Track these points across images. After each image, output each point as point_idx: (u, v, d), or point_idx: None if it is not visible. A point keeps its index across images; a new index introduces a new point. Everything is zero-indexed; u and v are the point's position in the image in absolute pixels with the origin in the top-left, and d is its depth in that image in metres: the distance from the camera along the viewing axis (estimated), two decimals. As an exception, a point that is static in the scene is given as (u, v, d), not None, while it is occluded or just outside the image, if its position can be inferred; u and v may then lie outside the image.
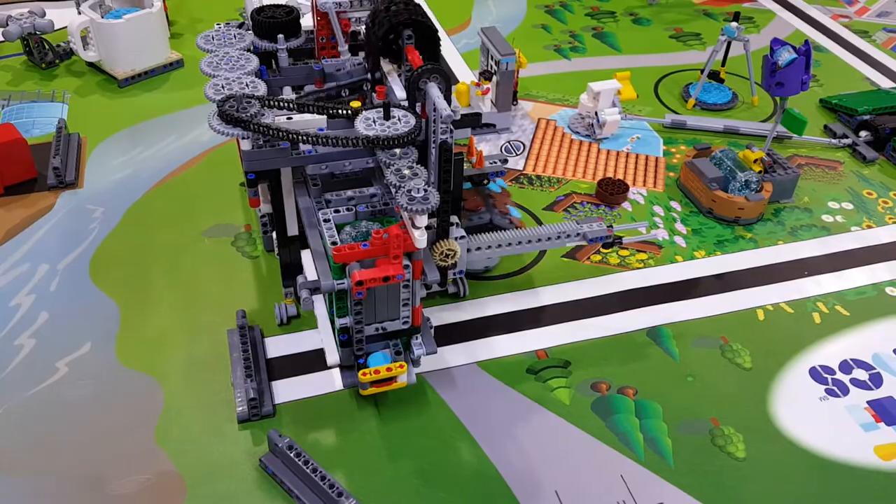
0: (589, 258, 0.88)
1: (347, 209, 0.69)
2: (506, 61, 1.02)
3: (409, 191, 0.60)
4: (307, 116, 0.72)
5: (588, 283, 0.85)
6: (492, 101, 1.07)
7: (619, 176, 1.01)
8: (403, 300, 0.67)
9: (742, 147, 1.00)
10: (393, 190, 0.62)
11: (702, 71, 1.15)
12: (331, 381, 0.74)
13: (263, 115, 0.67)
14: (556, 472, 0.67)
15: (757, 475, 0.67)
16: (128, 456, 0.67)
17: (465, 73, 1.21)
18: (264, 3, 0.82)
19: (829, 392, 0.74)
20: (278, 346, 0.77)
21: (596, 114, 1.05)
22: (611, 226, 0.79)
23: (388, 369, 0.67)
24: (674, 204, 0.96)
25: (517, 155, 1.04)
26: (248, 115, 0.66)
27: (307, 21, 0.84)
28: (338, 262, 0.62)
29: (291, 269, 0.78)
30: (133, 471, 0.66)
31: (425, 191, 0.61)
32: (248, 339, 0.76)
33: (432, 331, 0.72)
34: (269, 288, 0.83)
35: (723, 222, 0.94)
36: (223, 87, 0.71)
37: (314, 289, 0.70)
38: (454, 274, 0.79)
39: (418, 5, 0.72)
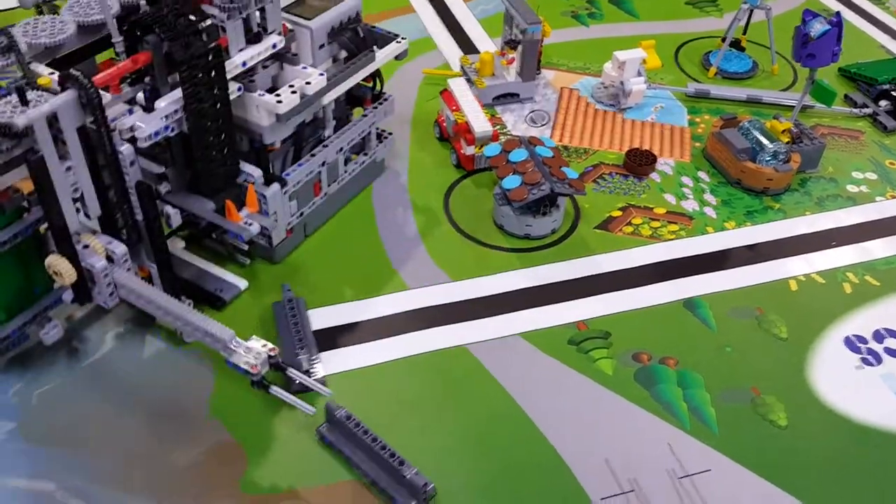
0: (621, 230, 0.89)
1: None
2: (532, 30, 1.02)
3: None
4: None
5: (622, 255, 0.86)
6: (516, 71, 1.07)
7: (646, 146, 1.01)
8: None
9: (767, 117, 1.01)
10: None
11: (723, 39, 1.16)
12: (378, 351, 0.76)
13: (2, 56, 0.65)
14: (605, 440, 0.69)
15: (799, 442, 0.69)
16: (185, 427, 0.68)
17: (484, 41, 1.20)
18: None
19: (865, 361, 0.76)
20: (322, 318, 0.78)
21: (621, 83, 1.06)
22: (275, 362, 0.66)
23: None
24: (702, 174, 0.98)
25: (542, 125, 1.05)
26: None
27: None
28: None
29: None
30: (191, 442, 0.67)
31: None
32: (295, 312, 0.76)
33: (48, 336, 0.72)
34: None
35: (751, 193, 0.95)
36: (34, 24, 0.70)
37: None
38: (104, 304, 0.71)
39: (191, 23, 0.65)
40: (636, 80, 1.05)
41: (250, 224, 0.74)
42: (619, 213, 0.91)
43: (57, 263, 0.66)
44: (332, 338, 0.77)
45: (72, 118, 0.62)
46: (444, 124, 0.99)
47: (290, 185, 0.79)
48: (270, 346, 0.65)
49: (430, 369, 0.75)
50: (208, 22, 0.66)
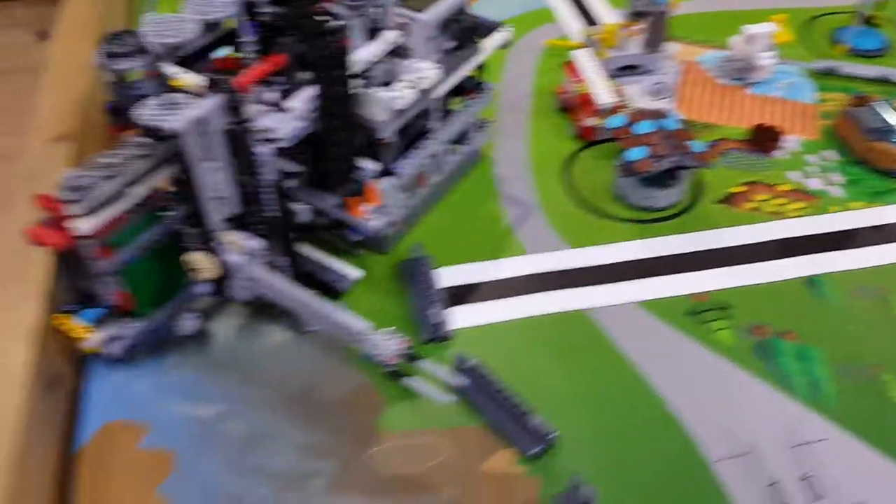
0: (744, 205, 0.90)
1: None
2: (661, 1, 1.02)
3: (72, 178, 0.62)
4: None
5: (743, 230, 0.87)
6: (641, 43, 1.08)
7: (771, 122, 1.01)
8: (96, 276, 0.68)
9: (899, 97, 0.99)
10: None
11: (856, 14, 1.13)
12: (500, 310, 0.80)
13: (133, 57, 0.68)
14: (721, 406, 0.71)
15: (919, 422, 0.70)
16: (328, 371, 0.75)
17: (604, 13, 1.21)
18: None
19: None
20: (447, 277, 0.83)
21: (749, 57, 1.05)
22: (411, 354, 0.71)
23: (73, 327, 0.70)
24: (828, 153, 0.97)
25: (664, 98, 1.05)
26: (122, 52, 0.68)
27: None
28: (38, 206, 0.64)
29: None
30: (334, 384, 0.74)
31: (92, 184, 0.62)
32: (424, 269, 0.81)
33: (186, 327, 0.74)
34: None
35: (879, 173, 0.94)
36: (164, 24, 0.72)
37: None
38: (239, 298, 0.74)
39: (320, 23, 0.66)
40: (765, 55, 1.05)
41: (372, 218, 0.76)
42: (741, 189, 0.92)
43: (198, 260, 0.70)
44: (457, 296, 0.81)
45: (219, 121, 0.64)
46: (566, 95, 1.02)
47: (402, 178, 0.80)
48: (403, 337, 0.69)
49: (550, 330, 0.78)
50: (341, 21, 0.67)
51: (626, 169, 0.88)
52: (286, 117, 0.68)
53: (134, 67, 0.68)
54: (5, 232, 0.73)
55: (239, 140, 0.66)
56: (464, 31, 0.81)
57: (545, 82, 1.08)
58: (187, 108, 0.64)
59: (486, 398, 0.71)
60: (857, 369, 0.74)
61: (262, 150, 0.67)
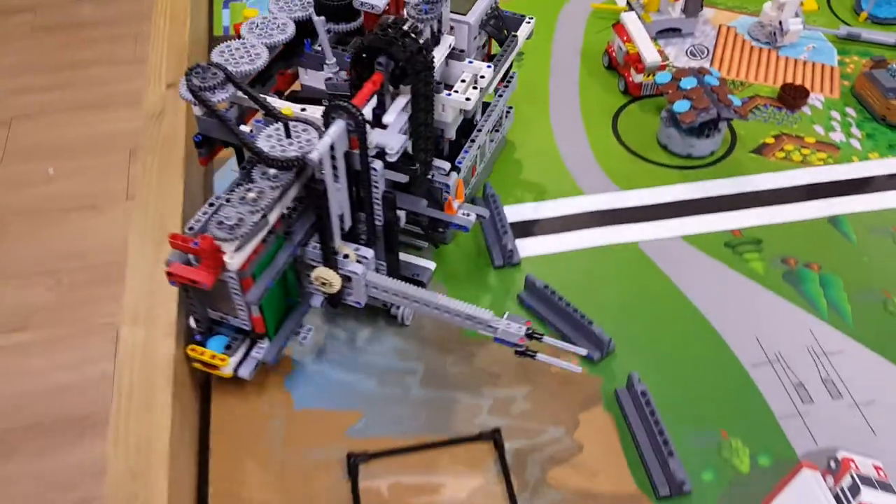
0: (774, 155, 1.01)
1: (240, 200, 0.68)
2: (700, -29, 1.12)
3: (219, 214, 0.63)
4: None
5: (773, 176, 0.99)
6: (681, 7, 1.18)
7: (798, 82, 1.12)
8: (238, 305, 0.70)
9: (915, 60, 1.10)
10: (210, 207, 0.67)
11: (877, -15, 1.23)
12: (561, 242, 0.92)
13: (223, 88, 0.69)
14: (755, 322, 0.83)
15: (924, 337, 0.82)
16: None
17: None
18: None
19: None
20: (514, 214, 0.94)
21: (780, 22, 1.15)
22: (532, 334, 0.73)
23: (213, 357, 0.71)
24: (849, 110, 1.08)
25: (701, 59, 1.16)
26: (207, 85, 0.68)
27: None
28: (171, 246, 0.65)
29: None
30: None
31: (239, 220, 0.63)
32: (497, 205, 0.93)
33: (305, 340, 0.77)
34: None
35: (895, 129, 1.05)
36: (230, 52, 0.74)
37: None
38: (355, 303, 0.77)
39: (416, 40, 0.68)
40: (794, 21, 1.15)
41: (468, 214, 0.81)
42: (772, 141, 1.03)
43: (325, 275, 0.72)
44: (524, 229, 0.93)
45: (342, 145, 0.67)
46: (615, 54, 1.12)
47: (463, 172, 0.84)
48: (523, 319, 0.73)
49: (606, 258, 0.90)
50: (425, 36, 0.70)
51: (672, 119, 1.00)
52: (391, 132, 0.70)
53: (225, 99, 0.69)
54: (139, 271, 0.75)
55: (358, 159, 0.68)
56: (498, 27, 0.85)
57: (593, 42, 1.19)
58: (306, 135, 0.66)
59: (552, 312, 0.83)
60: (870, 293, 0.86)
61: (377, 166, 0.70)
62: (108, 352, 1.80)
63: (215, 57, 0.72)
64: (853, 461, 0.72)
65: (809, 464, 0.72)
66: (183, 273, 0.64)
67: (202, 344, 0.72)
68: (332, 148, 0.65)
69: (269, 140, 0.66)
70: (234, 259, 0.63)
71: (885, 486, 0.71)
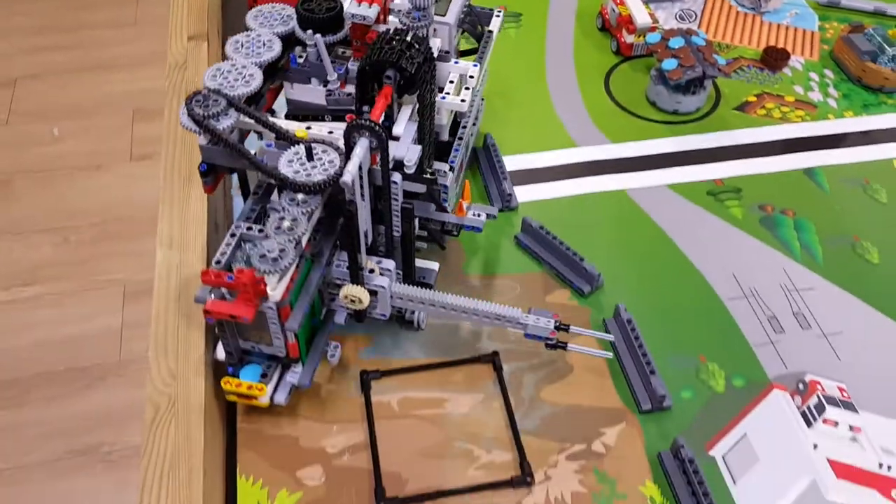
0: (756, 112, 1.08)
1: (259, 230, 0.67)
2: (691, -62, 1.18)
3: (265, 246, 0.62)
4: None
5: (756, 131, 1.06)
6: (672, -26, 1.24)
7: (780, 45, 1.18)
8: (274, 333, 0.68)
9: (890, 26, 1.16)
10: (248, 243, 0.64)
11: (859, -46, 1.29)
12: (555, 189, 0.98)
13: (226, 114, 0.66)
14: (733, 261, 0.90)
15: (887, 276, 0.89)
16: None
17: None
18: None
19: (949, 224, 0.95)
20: (511, 163, 1.01)
21: (764, -11, 1.22)
22: (559, 326, 0.74)
23: (249, 387, 0.70)
24: (827, 72, 1.14)
25: (690, 22, 1.22)
26: (210, 112, 0.66)
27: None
28: (203, 283, 0.63)
29: None
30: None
31: (281, 251, 0.62)
32: (496, 153, 0.99)
33: (333, 358, 0.76)
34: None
35: (869, 90, 1.11)
36: (224, 74, 0.70)
37: None
38: (381, 316, 0.76)
39: (422, 49, 0.69)
40: (777, -13, 1.21)
41: (479, 215, 0.80)
42: (754, 99, 1.10)
43: (354, 292, 0.71)
44: (521, 177, 0.99)
45: (367, 162, 0.66)
46: (608, 16, 1.18)
47: (456, 170, 0.83)
48: (551, 313, 0.74)
49: (596, 204, 0.97)
50: (438, 46, 0.72)
51: (660, 77, 1.06)
52: (403, 144, 0.70)
53: (231, 125, 0.66)
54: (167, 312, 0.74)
55: (380, 175, 0.68)
56: (473, 24, 0.86)
57: (586, 5, 1.25)
58: (327, 156, 0.65)
59: (547, 251, 0.90)
60: (841, 238, 0.93)
61: (395, 179, 0.70)
62: (115, 306, 1.86)
63: (208, 81, 0.69)
64: (820, 383, 0.80)
65: (780, 386, 0.80)
66: (222, 309, 0.62)
67: (235, 375, 0.71)
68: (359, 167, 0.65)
69: (291, 165, 0.64)
70: (276, 290, 0.63)
71: (847, 405, 0.78)
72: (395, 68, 0.67)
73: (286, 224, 0.63)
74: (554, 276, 0.89)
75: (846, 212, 0.96)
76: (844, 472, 0.74)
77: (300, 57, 0.77)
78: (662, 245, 0.93)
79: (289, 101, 0.80)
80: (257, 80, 0.70)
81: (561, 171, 1.01)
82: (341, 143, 0.66)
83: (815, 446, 0.75)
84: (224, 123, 0.66)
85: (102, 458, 1.62)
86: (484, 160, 1.00)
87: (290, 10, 0.77)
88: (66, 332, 1.81)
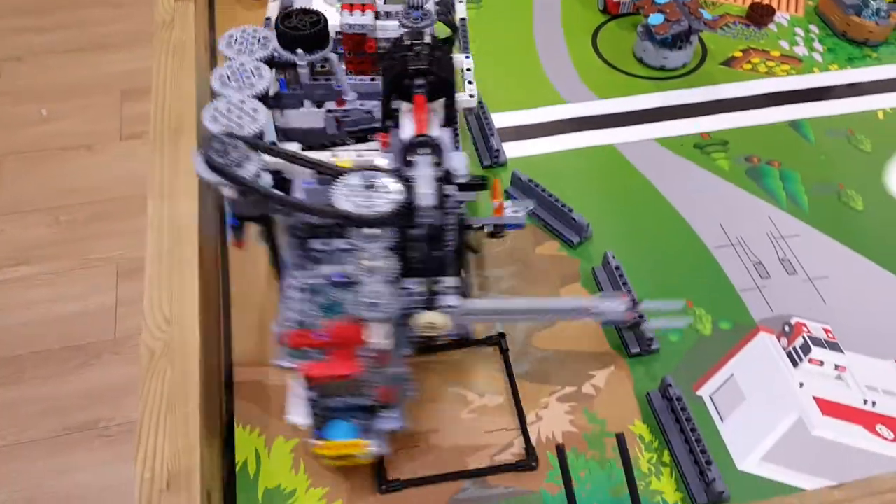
0: (742, 66, 1.09)
1: (322, 276, 0.63)
2: None
3: (365, 293, 0.57)
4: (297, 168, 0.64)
5: (741, 85, 1.06)
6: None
7: (766, 1, 1.19)
8: (370, 382, 0.63)
9: (875, -19, 1.17)
10: (349, 284, 0.60)
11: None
12: (544, 145, 0.99)
13: (248, 158, 0.60)
14: (719, 211, 0.91)
15: (871, 220, 0.91)
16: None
17: None
18: (293, 9, 0.73)
19: (932, 171, 0.96)
20: (500, 120, 1.01)
21: (749, -53, 1.22)
22: (635, 300, 0.72)
23: (346, 446, 0.64)
24: (812, 27, 1.15)
25: (676, -18, 1.23)
26: (231, 159, 0.59)
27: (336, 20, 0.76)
28: (291, 347, 0.59)
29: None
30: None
31: (383, 296, 0.57)
32: (485, 111, 1.00)
33: (412, 394, 0.69)
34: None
35: (854, 43, 1.12)
36: (223, 113, 0.64)
37: None
38: (456, 336, 0.73)
39: (444, 51, 0.66)
40: (762, -55, 1.21)
41: (518, 211, 0.75)
42: (740, 54, 1.10)
43: (432, 319, 0.65)
44: (510, 134, 1.00)
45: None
46: (594, -23, 1.19)
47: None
48: (619, 293, 0.73)
49: (586, 158, 0.98)
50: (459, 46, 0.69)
51: (647, 33, 1.07)
52: (457, 154, 0.67)
53: (258, 170, 0.59)
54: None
55: (442, 187, 0.64)
56: (446, 13, 0.82)
57: (573, -33, 1.25)
58: (380, 182, 0.60)
59: (536, 203, 0.91)
60: (826, 186, 0.94)
61: (450, 191, 0.65)
62: (109, 284, 1.86)
63: (209, 124, 0.63)
64: (805, 325, 0.81)
65: (766, 328, 0.81)
66: (326, 371, 0.58)
67: (323, 437, 0.64)
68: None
69: (349, 199, 0.59)
70: (382, 337, 0.58)
71: (832, 346, 0.80)
72: (428, 75, 0.63)
73: (373, 264, 0.58)
74: (543, 227, 0.90)
75: (831, 161, 0.97)
76: (830, 408, 0.75)
77: (290, 83, 0.71)
78: (650, 197, 0.93)
79: (279, 131, 0.75)
80: (262, 112, 0.64)
81: (549, 127, 1.01)
82: (380, 162, 0.62)
83: (801, 385, 0.76)
84: (250, 169, 0.59)
85: (100, 434, 1.63)
86: (472, 117, 1.00)
87: (265, 32, 0.72)
88: (61, 310, 1.82)
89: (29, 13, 2.48)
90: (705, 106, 1.04)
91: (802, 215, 0.91)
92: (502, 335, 0.79)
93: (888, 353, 0.79)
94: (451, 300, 0.66)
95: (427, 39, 0.65)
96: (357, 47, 0.72)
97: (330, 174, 0.61)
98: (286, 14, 0.71)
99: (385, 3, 0.76)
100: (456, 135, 0.71)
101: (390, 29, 0.75)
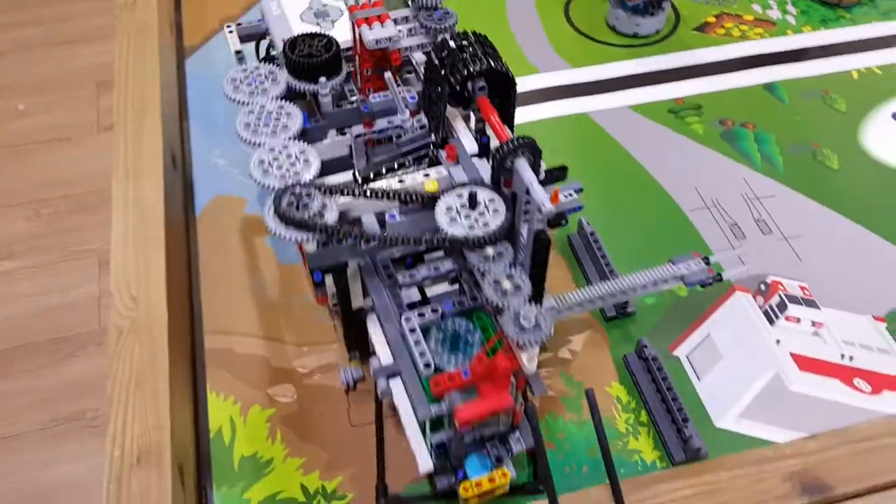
0: (715, 31, 1.08)
1: (433, 310, 0.61)
2: None
3: (518, 317, 0.54)
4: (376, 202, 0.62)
5: (715, 50, 1.06)
6: None
7: (739, -33, 1.18)
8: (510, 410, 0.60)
9: (848, -58, 1.17)
10: (493, 311, 0.57)
11: None
12: (519, 116, 0.98)
13: (326, 206, 0.58)
14: (694, 175, 0.91)
15: (847, 179, 0.91)
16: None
17: None
18: (295, 36, 0.70)
19: (907, 128, 0.96)
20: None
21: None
22: (706, 259, 0.71)
23: (492, 480, 0.60)
24: (786, -10, 1.15)
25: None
26: (312, 213, 0.57)
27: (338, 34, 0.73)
28: (437, 395, 0.56)
29: (355, 339, 0.69)
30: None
31: (536, 318, 0.54)
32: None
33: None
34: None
35: (827, 5, 1.12)
36: (270, 163, 0.61)
37: (392, 374, 0.60)
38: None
39: (490, 42, 0.64)
40: None
41: (571, 195, 0.75)
42: (713, 19, 1.10)
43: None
44: (482, 105, 0.99)
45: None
46: (566, -54, 1.18)
47: None
48: (691, 253, 0.71)
49: (562, 127, 0.97)
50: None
51: (619, 1, 1.06)
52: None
53: (335, 216, 0.57)
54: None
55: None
56: None
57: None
58: (482, 197, 0.58)
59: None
60: (801, 146, 0.94)
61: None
62: (91, 276, 1.85)
63: (266, 180, 0.60)
64: (781, 283, 0.81)
65: (742, 288, 0.81)
66: (480, 411, 0.54)
67: (465, 477, 0.61)
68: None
69: (456, 222, 0.57)
70: (533, 361, 0.55)
71: (809, 303, 0.80)
72: (488, 74, 0.61)
73: (511, 284, 0.55)
74: (518, 196, 0.89)
75: (806, 122, 0.97)
76: (807, 364, 0.75)
77: (313, 118, 0.68)
78: (625, 164, 0.93)
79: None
80: (312, 153, 0.62)
81: (523, 98, 1.01)
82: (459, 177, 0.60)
83: (778, 342, 0.76)
84: (331, 216, 0.57)
85: (88, 424, 1.63)
86: (445, 90, 0.99)
87: (269, 68, 0.69)
88: (45, 303, 1.81)
89: (2, 8, 2.46)
90: (679, 72, 1.03)
91: (777, 176, 0.91)
92: None
93: (865, 308, 0.79)
94: (549, 302, 0.64)
95: (472, 39, 0.62)
96: (378, 63, 0.68)
97: (418, 202, 0.59)
98: (291, 42, 0.68)
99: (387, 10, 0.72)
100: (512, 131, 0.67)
101: (415, 36, 0.70)
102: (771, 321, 0.78)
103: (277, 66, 0.70)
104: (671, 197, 0.89)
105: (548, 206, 0.53)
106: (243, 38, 0.78)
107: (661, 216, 0.87)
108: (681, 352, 0.76)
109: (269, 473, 0.67)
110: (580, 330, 0.77)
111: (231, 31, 0.77)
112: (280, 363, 0.74)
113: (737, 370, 0.74)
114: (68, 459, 1.57)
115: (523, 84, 1.02)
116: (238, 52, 0.76)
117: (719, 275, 0.71)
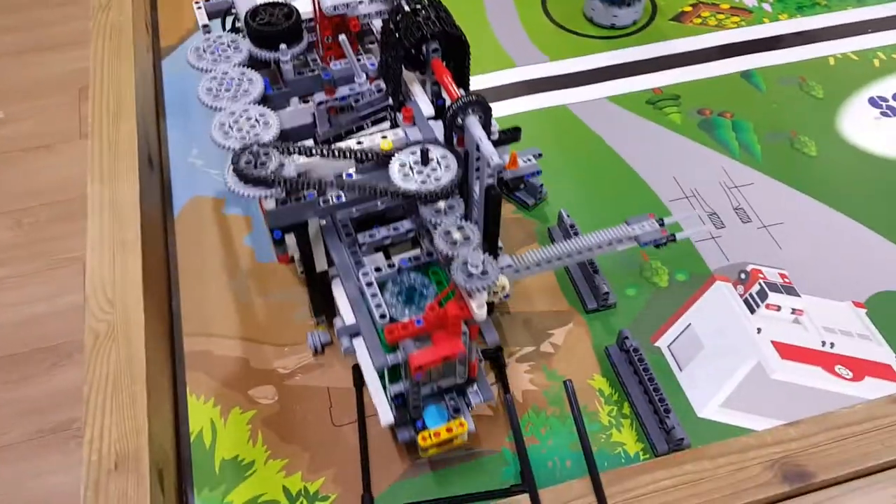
0: (692, 21, 1.08)
1: (389, 266, 0.64)
2: None
3: (466, 264, 0.55)
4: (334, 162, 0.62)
5: (692, 39, 1.06)
6: None
7: (714, -43, 1.18)
8: (464, 360, 0.62)
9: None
10: (444, 261, 0.58)
11: None
12: (498, 109, 0.98)
13: (283, 165, 0.59)
14: (673, 165, 0.91)
15: (825, 166, 0.91)
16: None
17: None
18: (257, 5, 0.72)
19: (883, 114, 0.96)
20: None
21: None
22: (661, 221, 0.72)
23: (449, 430, 0.63)
24: (761, -22, 1.15)
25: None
26: (270, 170, 0.58)
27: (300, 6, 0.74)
28: (391, 342, 0.57)
29: (320, 302, 0.72)
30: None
31: (483, 263, 0.55)
32: (433, 78, 0.98)
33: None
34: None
35: (803, -8, 1.12)
36: (230, 126, 0.63)
37: (356, 333, 0.63)
38: (505, 297, 0.75)
39: (444, 7, 0.65)
40: None
41: (529, 159, 0.76)
42: (689, 9, 1.10)
43: (504, 281, 0.64)
44: (460, 100, 0.99)
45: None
46: (541, -60, 1.17)
47: None
48: (645, 215, 0.72)
49: (541, 120, 0.97)
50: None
51: (594, -9, 1.06)
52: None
53: (295, 171, 0.58)
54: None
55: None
56: None
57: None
58: (434, 154, 0.59)
59: (490, 168, 0.90)
60: (778, 134, 0.94)
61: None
62: (76, 284, 1.83)
63: (225, 141, 0.62)
64: (761, 272, 0.81)
65: (722, 277, 0.81)
66: (431, 357, 0.56)
67: (424, 427, 0.63)
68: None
69: (409, 178, 0.59)
70: (483, 308, 0.55)
71: (789, 290, 0.80)
72: (441, 37, 0.62)
73: (461, 235, 0.57)
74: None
75: (783, 109, 0.97)
76: (789, 352, 0.75)
77: (275, 84, 0.68)
78: (604, 155, 0.93)
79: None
80: (272, 117, 0.63)
81: (501, 91, 1.00)
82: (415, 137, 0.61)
83: (759, 330, 0.76)
84: (289, 170, 0.58)
85: (74, 435, 1.61)
86: (422, 86, 0.99)
87: (231, 36, 0.70)
88: (31, 312, 1.79)
89: (-21, 14, 2.44)
90: (656, 62, 1.03)
91: (756, 164, 0.91)
92: (500, 349, 0.73)
93: (845, 294, 0.79)
94: (506, 260, 0.65)
95: (424, 2, 0.63)
96: (338, 30, 0.69)
97: (373, 160, 0.60)
98: (253, 12, 0.69)
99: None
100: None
101: (374, 3, 0.71)
102: (752, 310, 0.78)
103: (242, 36, 0.72)
104: (650, 187, 0.89)
105: (496, 160, 0.55)
106: (211, 15, 0.78)
107: (641, 207, 0.87)
108: (662, 342, 0.76)
109: (251, 476, 0.66)
110: (561, 323, 0.77)
111: (199, 7, 0.77)
112: (260, 364, 0.74)
113: (718, 360, 0.74)
114: (55, 470, 1.56)
115: (501, 77, 1.01)
116: (206, 27, 0.77)
117: (673, 235, 0.72)
